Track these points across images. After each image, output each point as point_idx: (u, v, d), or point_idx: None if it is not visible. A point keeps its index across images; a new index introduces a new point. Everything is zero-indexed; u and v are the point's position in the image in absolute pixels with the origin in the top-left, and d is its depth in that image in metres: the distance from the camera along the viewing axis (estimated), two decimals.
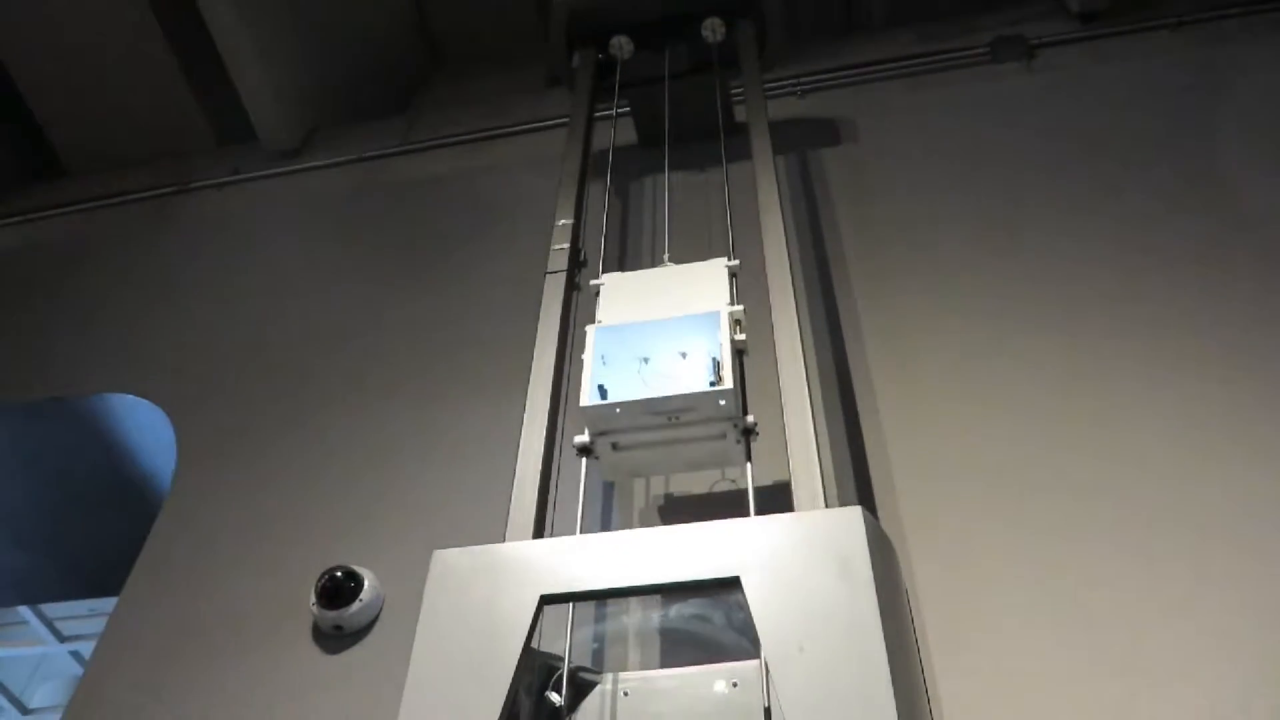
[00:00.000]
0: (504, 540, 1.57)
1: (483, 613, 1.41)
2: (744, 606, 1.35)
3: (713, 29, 3.17)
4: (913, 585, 1.96)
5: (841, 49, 4.04)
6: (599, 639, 1.96)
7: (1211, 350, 2.38)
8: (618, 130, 3.25)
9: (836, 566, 1.34)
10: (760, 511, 1.51)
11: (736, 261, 2.11)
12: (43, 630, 6.01)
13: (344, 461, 2.62)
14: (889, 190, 3.19)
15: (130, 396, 3.05)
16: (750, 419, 1.79)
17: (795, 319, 1.90)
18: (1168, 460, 2.17)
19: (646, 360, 1.83)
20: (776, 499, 1.66)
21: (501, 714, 1.33)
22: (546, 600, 1.41)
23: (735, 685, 1.62)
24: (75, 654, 6.28)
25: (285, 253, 3.73)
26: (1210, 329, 2.43)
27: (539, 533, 1.57)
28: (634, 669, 1.90)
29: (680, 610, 1.99)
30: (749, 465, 1.77)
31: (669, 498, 2.31)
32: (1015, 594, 1.97)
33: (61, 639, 6.12)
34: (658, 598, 2.02)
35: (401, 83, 4.86)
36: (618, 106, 3.15)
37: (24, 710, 6.67)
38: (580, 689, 1.65)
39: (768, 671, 1.31)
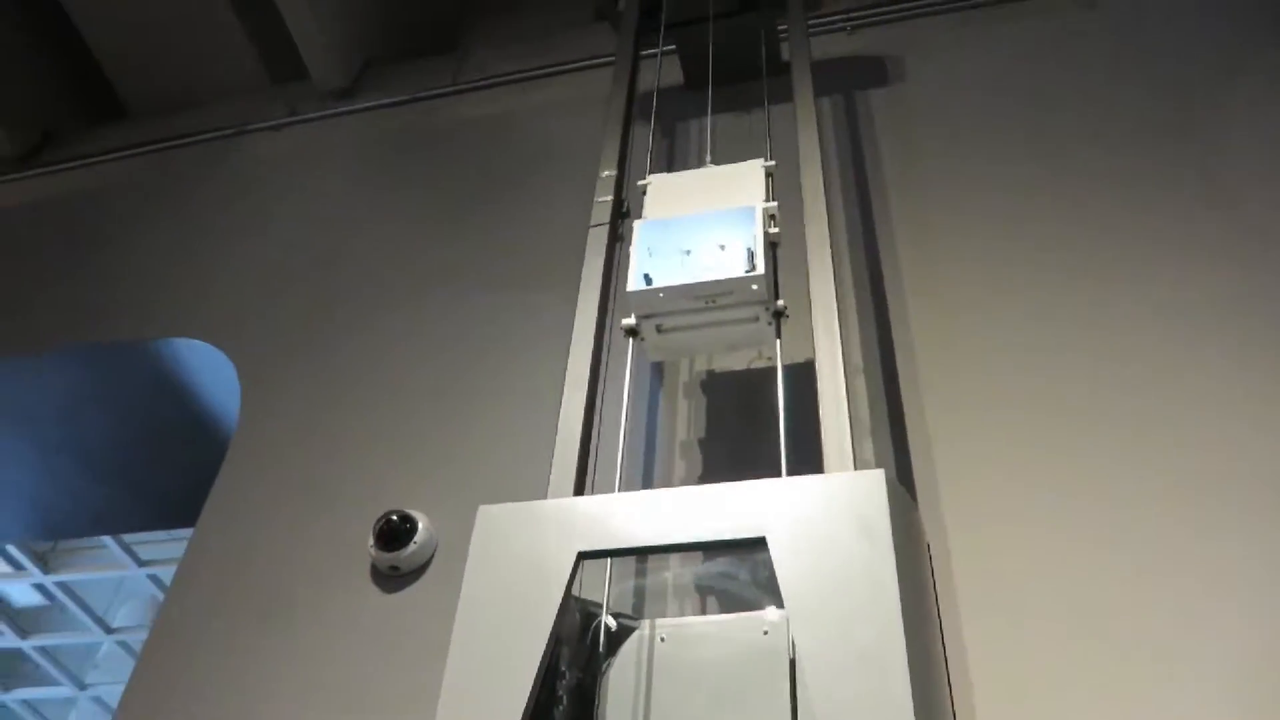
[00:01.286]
0: (546, 495, 1.65)
1: (524, 566, 1.50)
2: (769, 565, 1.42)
3: None
4: (939, 517, 2.00)
5: None
6: (638, 593, 2.05)
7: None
8: (663, 70, 3.30)
9: (858, 528, 1.40)
10: (788, 390, 1.68)
11: (773, 162, 2.28)
12: (122, 555, 6.33)
13: (401, 407, 2.72)
14: (935, 128, 3.16)
15: (195, 341, 3.18)
16: (781, 303, 2.00)
17: (827, 232, 1.97)
18: (1225, 412, 2.14)
19: (688, 252, 2.03)
20: (801, 378, 1.83)
21: (543, 660, 1.42)
22: (584, 555, 1.49)
23: (766, 633, 1.70)
24: (153, 577, 6.61)
25: (342, 196, 3.80)
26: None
27: (579, 489, 1.65)
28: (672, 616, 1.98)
29: (713, 567, 2.07)
30: (779, 343, 1.95)
31: (710, 373, 2.43)
32: (1047, 517, 2.00)
33: (140, 563, 6.45)
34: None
35: (449, 18, 4.86)
36: (663, 47, 3.18)
37: (108, 629, 7.07)
38: (618, 635, 1.75)
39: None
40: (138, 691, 2.28)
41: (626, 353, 2.03)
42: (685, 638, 1.74)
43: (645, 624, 1.78)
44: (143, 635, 7.38)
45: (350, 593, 2.29)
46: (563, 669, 1.58)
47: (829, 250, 2.05)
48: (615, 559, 1.69)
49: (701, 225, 2.07)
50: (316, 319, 3.13)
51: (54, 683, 7.79)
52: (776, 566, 1.41)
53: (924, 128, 3.18)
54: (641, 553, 1.60)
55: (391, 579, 2.29)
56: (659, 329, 2.05)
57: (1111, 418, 2.13)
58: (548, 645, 1.43)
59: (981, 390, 2.25)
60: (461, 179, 3.68)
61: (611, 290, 2.17)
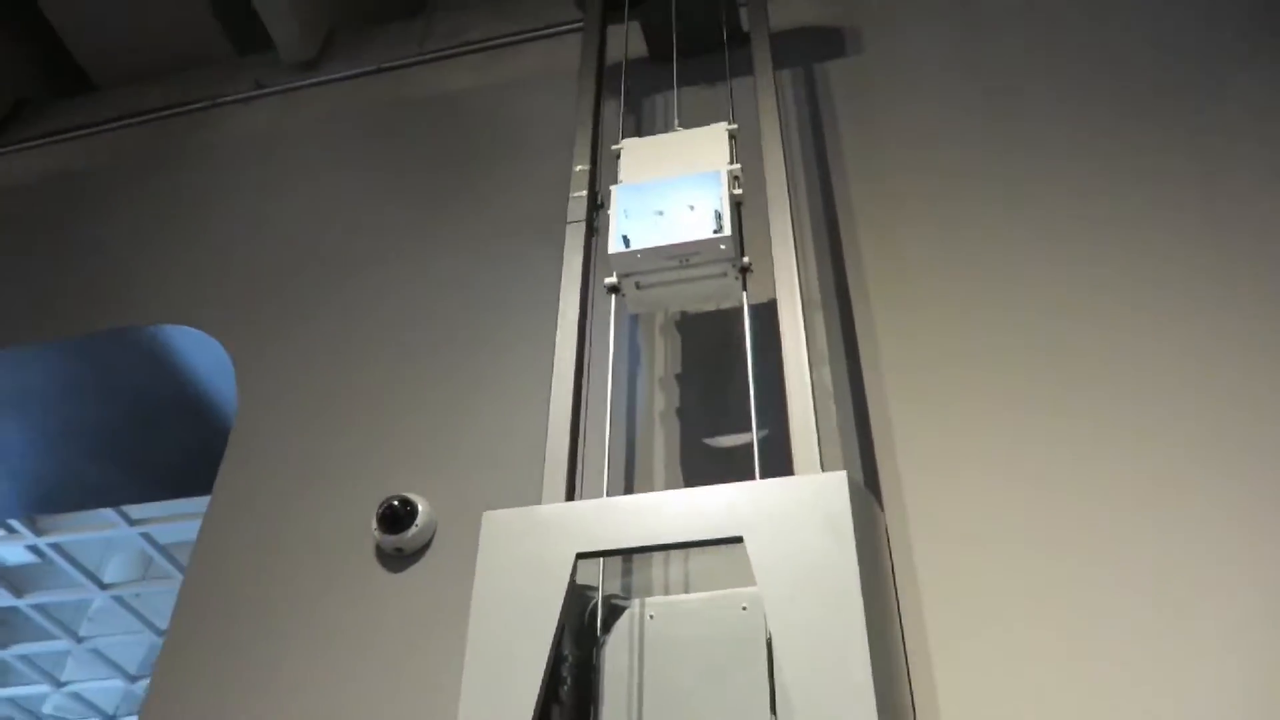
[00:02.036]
0: (540, 498, 1.82)
1: (529, 566, 1.68)
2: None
3: None
4: (900, 498, 2.19)
5: None
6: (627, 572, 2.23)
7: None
8: (630, 43, 3.41)
9: (824, 526, 1.58)
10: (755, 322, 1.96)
11: (735, 125, 2.53)
12: (113, 516, 6.47)
13: (395, 392, 2.86)
14: (892, 98, 3.27)
15: (185, 328, 3.29)
16: (746, 259, 2.24)
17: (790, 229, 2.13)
18: (1193, 412, 2.25)
19: (661, 213, 2.27)
20: (764, 317, 2.12)
21: (551, 649, 1.61)
22: (581, 556, 1.67)
23: (745, 609, 1.90)
24: (144, 535, 6.77)
25: (317, 172, 3.86)
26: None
27: (570, 493, 1.82)
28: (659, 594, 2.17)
29: None
30: (745, 295, 2.23)
31: (684, 315, 2.72)
32: (1005, 506, 2.20)
33: (130, 523, 6.60)
34: None
35: None
36: (629, 21, 3.29)
37: (101, 585, 7.24)
38: (612, 613, 1.94)
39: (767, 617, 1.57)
40: (166, 673, 2.45)
41: (610, 308, 2.28)
42: (672, 614, 1.94)
43: (635, 603, 1.97)
44: (136, 589, 7.58)
45: (358, 573, 2.47)
46: (565, 653, 1.77)
47: (793, 251, 2.20)
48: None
49: (672, 188, 2.31)
50: (305, 302, 3.24)
51: (50, 637, 7.99)
52: (753, 562, 1.60)
53: (881, 96, 3.30)
54: (632, 552, 1.78)
55: (395, 559, 2.47)
56: (638, 286, 2.30)
57: (1073, 405, 2.30)
58: (554, 637, 1.62)
59: (943, 370, 2.42)
60: (437, 151, 3.74)
61: (590, 286, 2.32)
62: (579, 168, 2.59)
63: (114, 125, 4.60)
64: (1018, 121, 3.04)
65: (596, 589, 1.93)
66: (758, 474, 1.84)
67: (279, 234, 3.58)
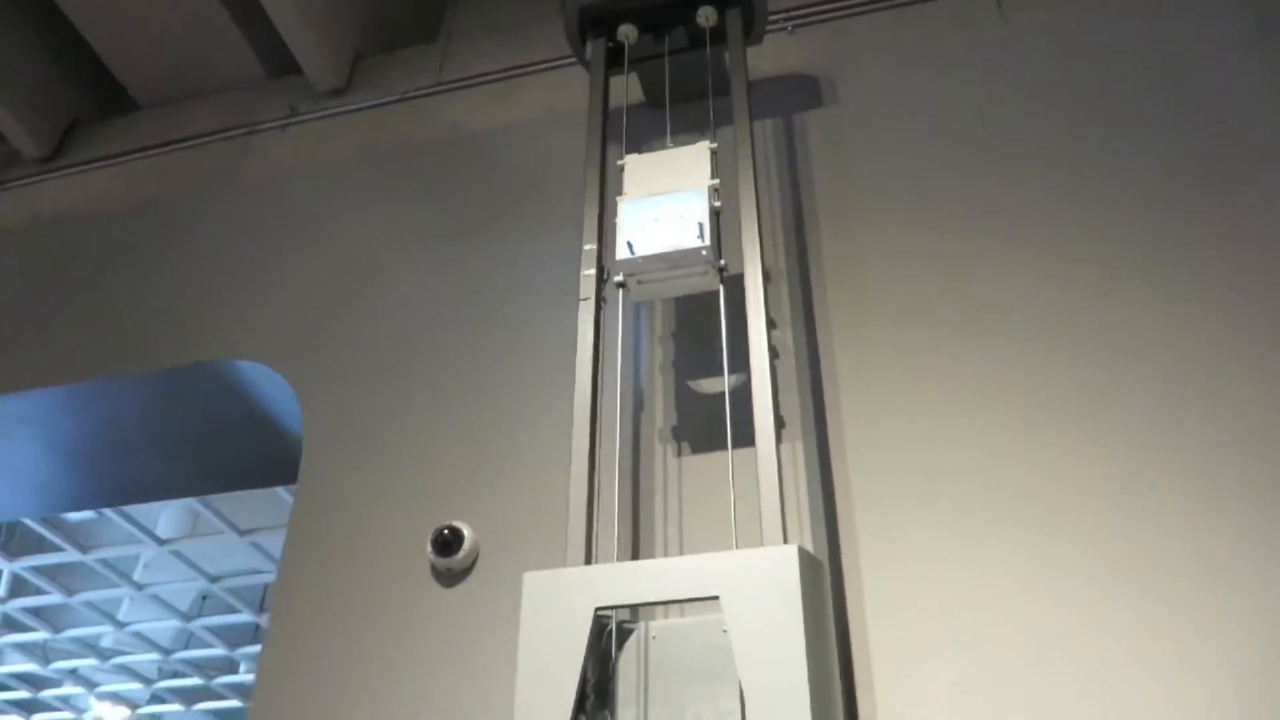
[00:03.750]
0: (565, 558, 2.38)
1: (560, 615, 2.24)
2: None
3: (705, 17, 3.62)
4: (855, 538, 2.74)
5: None
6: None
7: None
8: (630, 90, 3.88)
9: (778, 590, 2.13)
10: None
11: (715, 144, 3.18)
12: None
13: (437, 425, 3.39)
14: (865, 148, 3.71)
15: (253, 363, 3.82)
16: (722, 262, 2.94)
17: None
18: (1150, 485, 2.71)
19: (657, 220, 2.96)
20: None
21: (580, 682, 2.18)
22: (598, 610, 2.23)
23: (725, 631, 2.46)
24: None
25: (355, 204, 4.30)
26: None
27: (588, 557, 2.37)
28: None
29: None
30: (721, 289, 2.94)
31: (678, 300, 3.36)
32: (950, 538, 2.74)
33: None
34: None
35: (431, 6, 5.23)
36: (629, 78, 3.76)
37: (160, 541, 7.92)
38: (622, 636, 2.51)
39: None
40: (267, 681, 3.04)
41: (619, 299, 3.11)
42: (671, 636, 2.50)
43: (641, 625, 2.54)
44: (187, 544, 8.25)
45: (420, 588, 3.04)
46: (589, 676, 2.35)
47: (764, 325, 2.71)
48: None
49: (665, 202, 3.00)
50: (356, 336, 3.75)
51: (113, 585, 8.73)
52: (725, 614, 2.15)
53: (853, 141, 3.74)
54: (637, 606, 2.33)
55: (447, 577, 3.04)
56: (639, 282, 2.99)
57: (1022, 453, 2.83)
58: (582, 671, 2.18)
59: (903, 447, 2.93)
60: (465, 184, 4.18)
61: (600, 359, 2.84)
62: (588, 247, 3.07)
63: (158, 150, 5.05)
64: (982, 173, 3.48)
65: (611, 616, 2.49)
66: (735, 543, 2.40)
67: (329, 267, 4.06)
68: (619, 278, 2.96)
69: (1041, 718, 2.38)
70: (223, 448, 4.44)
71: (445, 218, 4.10)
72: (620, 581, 2.25)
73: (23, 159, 5.33)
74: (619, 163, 3.25)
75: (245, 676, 11.06)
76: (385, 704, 2.87)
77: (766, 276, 3.13)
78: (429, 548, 3.04)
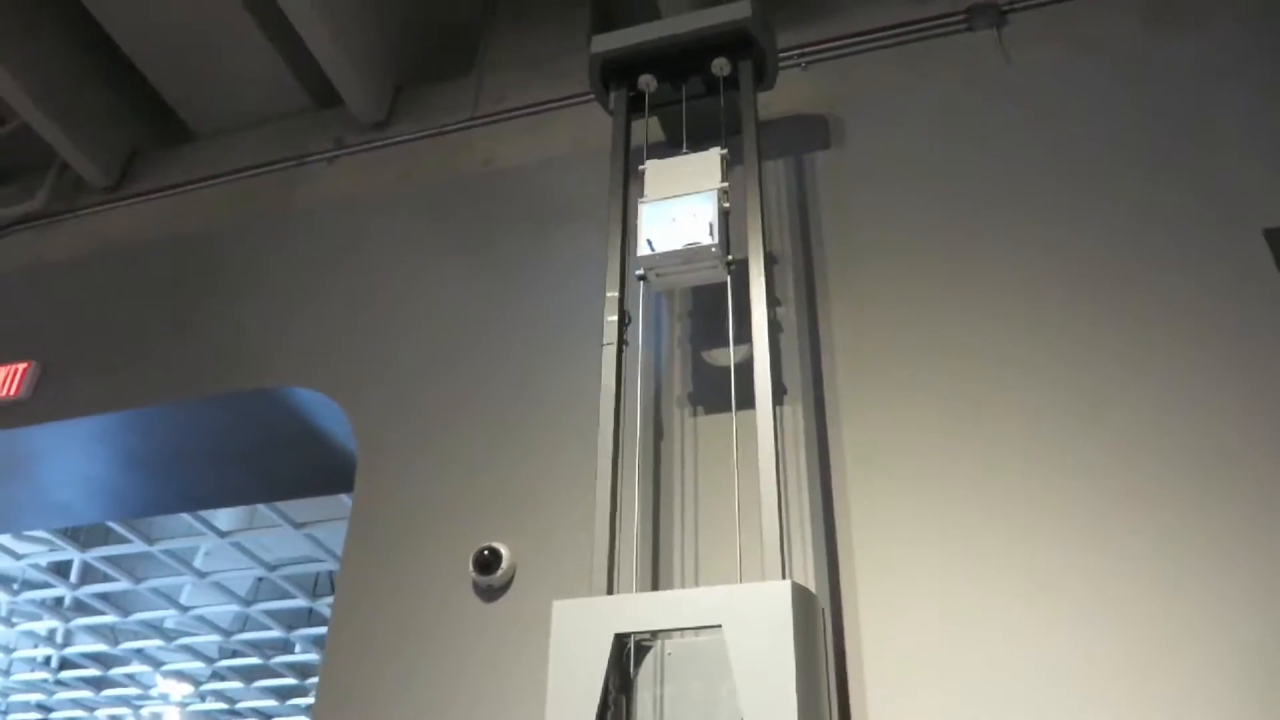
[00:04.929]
0: (589, 589, 2.70)
1: (584, 639, 2.57)
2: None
3: (720, 67, 3.89)
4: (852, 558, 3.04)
5: (851, 7, 4.62)
6: None
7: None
8: (650, 130, 4.18)
9: (772, 621, 2.45)
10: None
11: (726, 150, 3.57)
12: None
13: (477, 449, 3.74)
14: (870, 190, 3.96)
15: (308, 390, 4.19)
16: (730, 257, 3.35)
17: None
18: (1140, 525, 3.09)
19: (674, 220, 3.39)
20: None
21: (602, 695, 2.51)
22: (618, 635, 2.56)
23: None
24: None
25: (397, 234, 4.64)
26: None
27: (610, 586, 2.70)
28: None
29: None
30: (728, 279, 3.36)
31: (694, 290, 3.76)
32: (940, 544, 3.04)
33: None
34: None
35: (465, 40, 5.53)
36: (649, 122, 4.06)
37: (220, 533, 8.40)
38: (639, 652, 2.83)
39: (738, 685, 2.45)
40: (327, 695, 3.42)
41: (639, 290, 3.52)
42: (684, 652, 2.83)
43: (658, 642, 2.87)
44: (246, 536, 8.73)
45: (463, 602, 3.39)
46: (610, 690, 2.68)
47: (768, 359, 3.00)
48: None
49: (682, 203, 3.42)
50: (406, 368, 4.09)
51: (176, 573, 9.25)
52: (726, 640, 2.47)
53: (859, 177, 3.99)
54: (651, 632, 2.66)
55: (487, 593, 3.39)
56: (658, 275, 3.43)
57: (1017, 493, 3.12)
58: (604, 687, 2.52)
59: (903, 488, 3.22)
60: (498, 215, 4.50)
61: (621, 402, 3.15)
62: (610, 294, 3.38)
63: (214, 181, 5.42)
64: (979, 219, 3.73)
65: (630, 636, 2.82)
66: (740, 577, 2.71)
67: (374, 296, 4.41)
68: (640, 271, 3.41)
69: None
70: (282, 460, 4.83)
71: (481, 249, 4.41)
72: (636, 610, 2.58)
73: (89, 187, 5.73)
74: (640, 167, 3.66)
75: (300, 656, 11.62)
76: (433, 699, 3.23)
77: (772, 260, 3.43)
78: (470, 566, 3.39)
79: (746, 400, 3.37)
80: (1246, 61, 3.71)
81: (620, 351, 3.26)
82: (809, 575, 3.01)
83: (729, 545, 3.13)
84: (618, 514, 2.86)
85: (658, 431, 3.52)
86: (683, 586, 3.11)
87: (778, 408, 3.11)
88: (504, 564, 3.36)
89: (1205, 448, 2.97)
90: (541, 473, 3.61)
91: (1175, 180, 3.51)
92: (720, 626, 2.50)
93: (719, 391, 3.52)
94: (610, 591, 2.75)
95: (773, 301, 3.72)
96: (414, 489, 3.73)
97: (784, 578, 2.60)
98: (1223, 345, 3.13)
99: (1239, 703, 2.58)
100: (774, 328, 3.65)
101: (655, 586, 3.14)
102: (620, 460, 2.99)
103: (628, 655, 2.82)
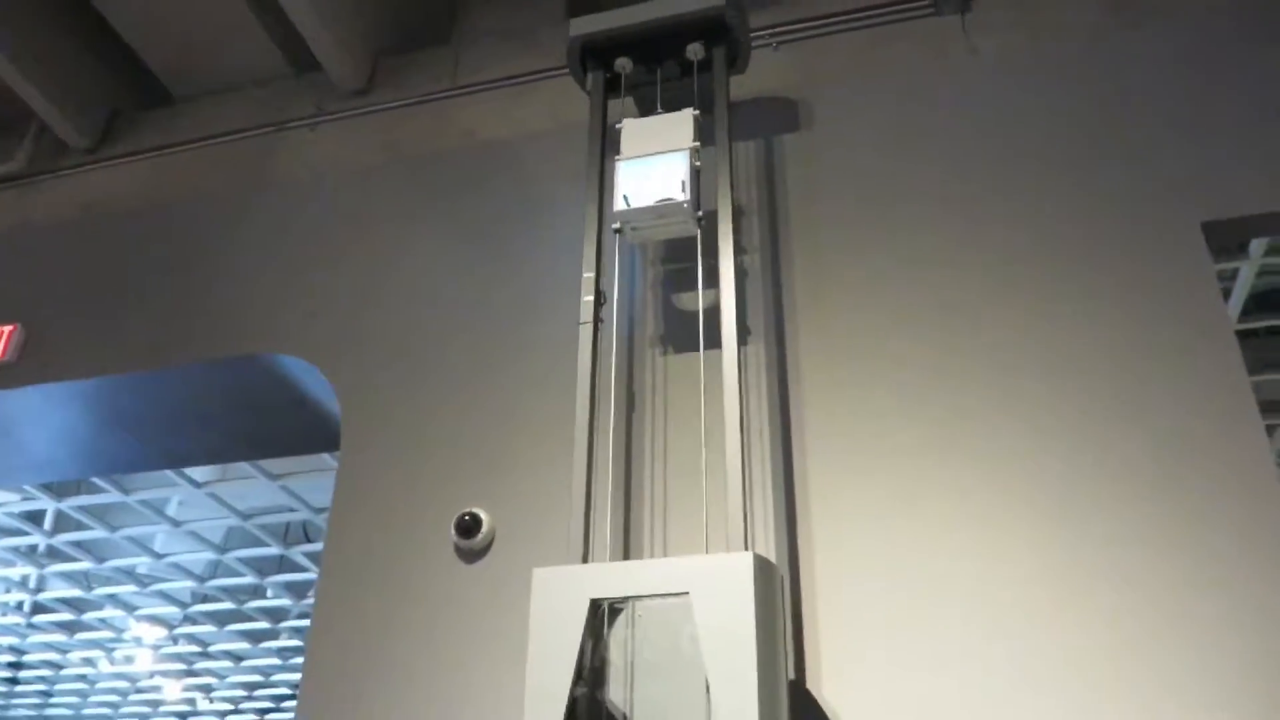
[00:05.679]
0: (566, 557, 2.91)
1: (562, 603, 2.79)
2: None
3: (694, 52, 4.03)
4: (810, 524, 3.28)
5: None
6: None
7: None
8: (627, 109, 4.34)
9: (735, 589, 2.67)
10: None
11: (698, 112, 3.79)
12: None
13: (458, 421, 3.92)
14: (836, 164, 4.14)
15: (293, 358, 4.34)
16: (699, 213, 3.58)
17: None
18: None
19: (648, 177, 3.60)
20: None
21: (579, 656, 2.74)
22: (593, 600, 2.78)
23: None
24: None
25: (379, 203, 4.77)
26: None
27: (585, 556, 2.91)
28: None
29: None
30: (699, 233, 3.61)
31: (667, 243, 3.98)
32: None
33: None
34: None
35: (442, 4, 5.59)
36: (625, 100, 4.22)
37: (196, 484, 8.53)
38: (612, 616, 3.06)
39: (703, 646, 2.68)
40: (317, 649, 3.62)
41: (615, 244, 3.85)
42: (654, 613, 3.06)
43: (629, 605, 3.09)
44: (221, 486, 8.88)
45: (446, 564, 3.60)
46: (586, 650, 2.90)
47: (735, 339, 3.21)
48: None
49: (656, 161, 3.65)
50: (389, 337, 4.26)
51: (152, 522, 9.40)
52: (693, 607, 2.70)
53: (826, 156, 4.17)
54: (623, 599, 2.88)
55: (469, 554, 3.60)
56: (633, 229, 3.66)
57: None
58: (580, 648, 2.74)
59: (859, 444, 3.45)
60: (477, 193, 4.65)
61: (595, 378, 3.34)
62: (587, 275, 3.55)
63: (195, 144, 5.49)
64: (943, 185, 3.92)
65: (604, 600, 3.05)
66: (706, 548, 2.93)
67: (356, 265, 4.55)
68: (617, 225, 3.65)
69: (972, 699, 2.94)
70: (265, 421, 4.99)
71: (462, 218, 4.56)
72: (610, 577, 2.79)
73: (70, 149, 5.77)
74: (616, 125, 3.90)
75: (273, 601, 11.83)
76: (418, 650, 3.45)
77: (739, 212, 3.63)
78: (452, 530, 3.59)
79: (714, 341, 3.60)
80: (1202, 53, 3.90)
81: (596, 330, 3.44)
82: (769, 541, 3.24)
83: (696, 512, 3.35)
84: (592, 486, 3.06)
85: (630, 400, 3.72)
86: (652, 553, 3.34)
87: (742, 348, 3.30)
88: (484, 529, 3.57)
89: (1145, 428, 3.22)
90: (520, 441, 3.80)
91: (1123, 168, 3.72)
92: (688, 594, 2.72)
93: (689, 332, 3.74)
94: (586, 560, 2.96)
95: (739, 251, 3.94)
96: (397, 457, 3.91)
97: (746, 549, 2.82)
98: (1159, 329, 3.36)
99: (1201, 673, 2.85)
100: (740, 275, 3.87)
101: (627, 553, 3.36)
102: (595, 436, 3.18)
103: (601, 616, 3.04)
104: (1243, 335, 6.02)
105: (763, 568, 2.75)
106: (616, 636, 2.99)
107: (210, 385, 4.67)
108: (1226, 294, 5.74)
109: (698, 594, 2.70)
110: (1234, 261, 5.46)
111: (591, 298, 3.50)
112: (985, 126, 4.01)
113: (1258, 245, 5.41)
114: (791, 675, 3.03)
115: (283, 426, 5.01)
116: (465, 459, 3.82)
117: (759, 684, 2.56)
